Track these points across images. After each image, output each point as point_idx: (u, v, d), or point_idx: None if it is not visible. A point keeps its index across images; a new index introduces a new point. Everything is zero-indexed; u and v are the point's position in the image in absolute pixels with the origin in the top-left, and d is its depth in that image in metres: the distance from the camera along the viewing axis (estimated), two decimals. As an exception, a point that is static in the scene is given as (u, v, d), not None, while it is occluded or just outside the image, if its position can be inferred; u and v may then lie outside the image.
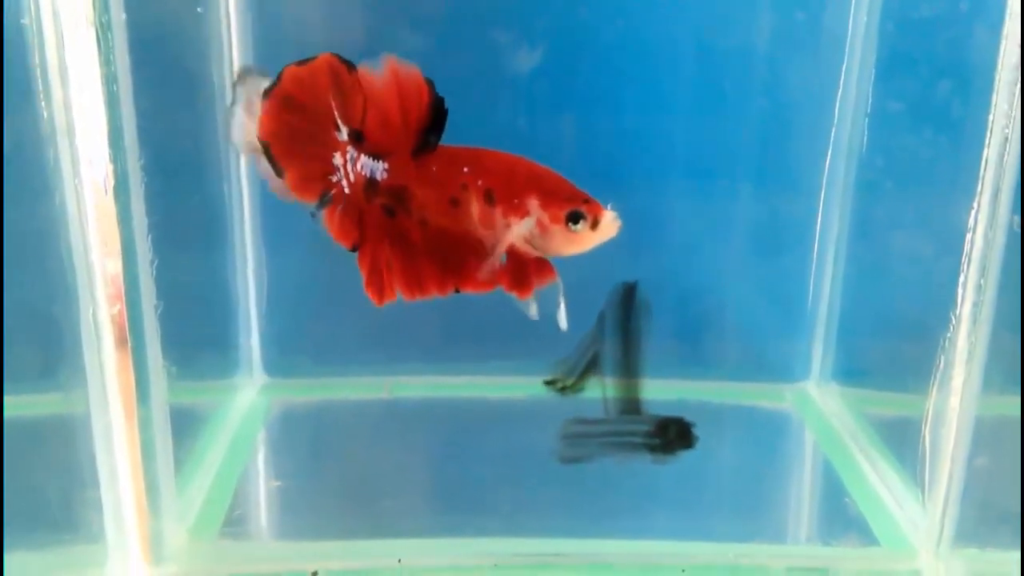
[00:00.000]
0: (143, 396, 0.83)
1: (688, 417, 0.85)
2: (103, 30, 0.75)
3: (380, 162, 0.75)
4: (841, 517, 0.98)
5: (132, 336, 0.81)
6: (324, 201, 0.76)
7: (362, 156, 0.75)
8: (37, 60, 0.74)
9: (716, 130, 1.13)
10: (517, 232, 0.75)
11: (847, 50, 1.09)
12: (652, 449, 0.83)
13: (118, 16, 0.76)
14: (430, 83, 0.73)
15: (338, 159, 0.76)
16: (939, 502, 0.85)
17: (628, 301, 0.82)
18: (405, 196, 0.76)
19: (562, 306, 0.77)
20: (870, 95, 1.07)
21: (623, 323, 0.81)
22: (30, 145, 0.75)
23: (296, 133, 0.75)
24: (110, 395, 0.81)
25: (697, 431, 0.85)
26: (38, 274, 0.77)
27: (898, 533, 0.93)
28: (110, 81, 0.76)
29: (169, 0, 0.97)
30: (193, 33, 1.04)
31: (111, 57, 0.76)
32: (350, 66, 0.73)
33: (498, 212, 0.75)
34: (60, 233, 0.77)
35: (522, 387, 1.14)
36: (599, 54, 1.10)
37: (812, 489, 1.07)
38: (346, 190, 0.76)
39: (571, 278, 0.78)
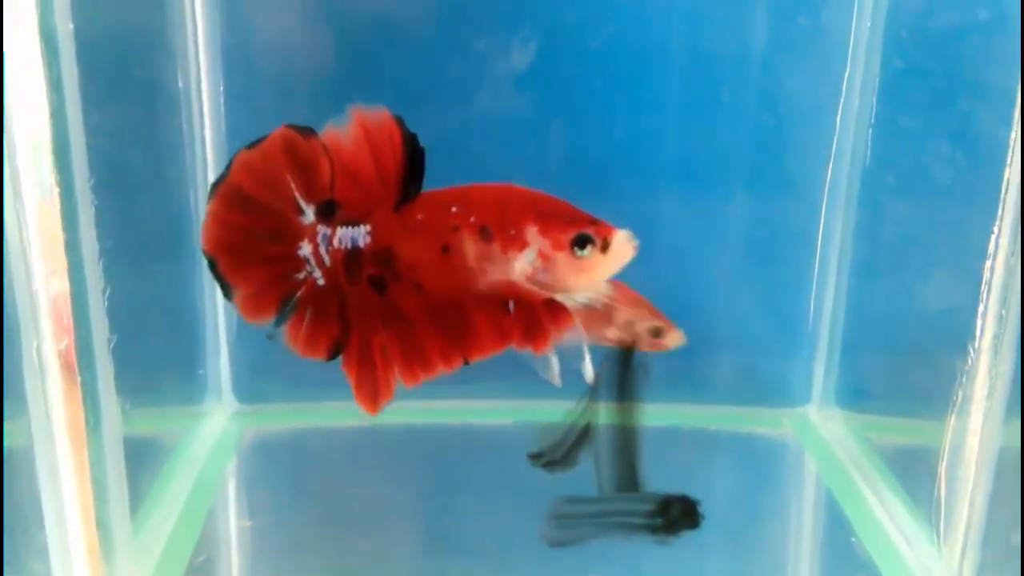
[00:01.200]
0: (94, 432, 0.77)
1: (692, 495, 0.78)
2: (47, 36, 0.69)
3: (361, 227, 0.68)
4: (847, 559, 0.92)
5: (82, 371, 0.75)
6: (284, 313, 0.68)
7: (338, 228, 0.68)
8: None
9: (713, 138, 1.08)
10: (519, 268, 0.67)
11: (849, 58, 1.04)
12: (653, 530, 0.75)
13: (64, 24, 0.70)
14: (400, 123, 0.65)
15: (306, 248, 0.68)
16: (956, 546, 0.80)
17: (625, 366, 0.75)
18: (393, 258, 0.68)
19: (587, 357, 0.68)
20: (874, 105, 1.03)
21: (619, 390, 0.74)
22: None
23: (249, 238, 0.67)
24: (56, 431, 0.75)
25: (702, 509, 0.78)
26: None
27: (909, 578, 0.87)
28: (55, 91, 0.70)
29: (124, 8, 0.90)
30: (154, 41, 0.98)
31: (56, 66, 0.70)
32: (307, 134, 0.66)
33: (496, 248, 0.67)
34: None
35: (510, 412, 1.10)
36: (592, 60, 1.05)
37: (814, 526, 1.01)
38: (320, 281, 0.68)
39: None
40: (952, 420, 0.82)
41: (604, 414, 0.74)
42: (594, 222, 0.67)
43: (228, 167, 0.66)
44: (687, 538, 0.92)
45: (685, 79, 1.06)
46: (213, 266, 0.67)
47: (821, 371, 1.16)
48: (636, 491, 0.75)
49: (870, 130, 1.03)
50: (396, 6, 1.00)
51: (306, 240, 0.68)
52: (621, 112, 1.06)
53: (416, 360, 0.68)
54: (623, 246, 0.66)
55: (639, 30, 1.04)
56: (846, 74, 1.05)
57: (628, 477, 0.74)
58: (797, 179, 1.11)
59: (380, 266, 0.68)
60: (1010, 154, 0.73)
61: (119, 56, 0.87)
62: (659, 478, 1.03)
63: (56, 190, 0.70)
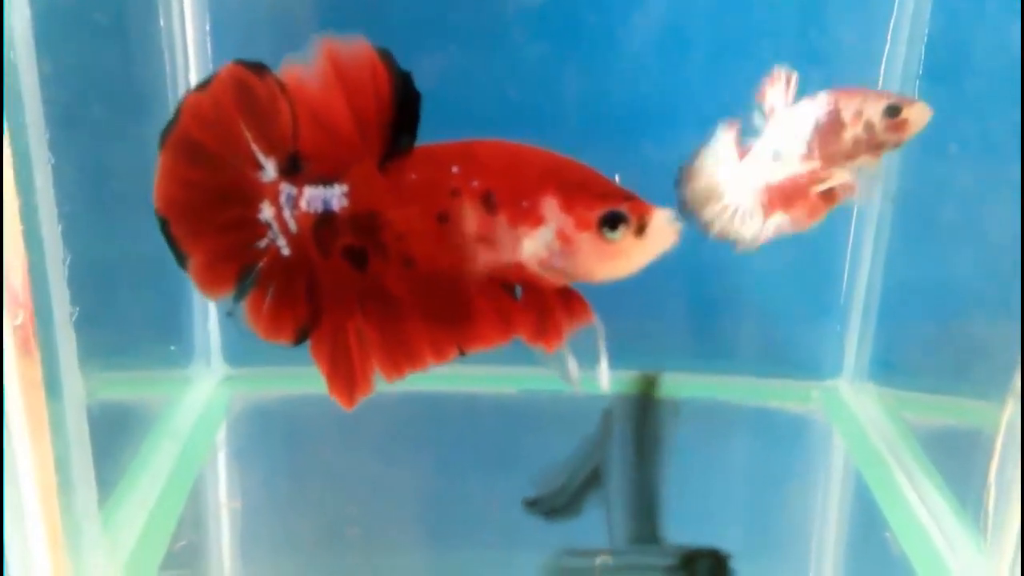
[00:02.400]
0: (56, 412, 0.70)
1: (723, 549, 0.69)
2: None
3: (335, 186, 0.56)
4: (875, 548, 0.86)
5: (41, 349, 0.68)
6: (244, 287, 0.57)
7: (306, 188, 0.56)
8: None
9: (747, 98, 0.98)
10: (531, 249, 0.56)
11: (895, 11, 0.96)
12: None
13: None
14: (387, 58, 0.54)
15: (267, 211, 0.57)
16: (1007, 552, 0.72)
17: (647, 397, 0.66)
18: (377, 225, 0.56)
19: (603, 359, 0.57)
20: (922, 59, 0.95)
21: (638, 427, 0.66)
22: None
23: (203, 196, 0.56)
24: (12, 413, 0.68)
25: (733, 565, 0.69)
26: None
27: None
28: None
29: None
30: None
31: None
32: (261, 70, 0.54)
33: (502, 221, 0.56)
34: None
35: (514, 380, 1.04)
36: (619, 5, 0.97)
37: (841, 511, 0.95)
38: (284, 251, 0.57)
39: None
40: (1007, 407, 0.74)
41: (619, 454, 0.66)
42: (629, 197, 0.55)
43: (177, 111, 0.55)
44: (706, 520, 0.87)
45: (719, 29, 0.99)
46: (165, 229, 0.57)
47: (854, 342, 1.09)
48: (654, 543, 0.66)
49: (917, 81, 0.95)
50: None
51: (267, 201, 0.57)
52: (650, 63, 0.98)
53: (400, 350, 0.58)
54: (663, 229, 0.55)
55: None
56: (890, 24, 0.96)
57: (646, 527, 0.66)
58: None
59: (360, 235, 0.57)
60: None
61: None
62: (676, 454, 0.98)
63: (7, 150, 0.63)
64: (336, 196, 0.56)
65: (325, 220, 0.57)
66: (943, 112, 0.93)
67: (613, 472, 0.66)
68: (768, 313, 1.09)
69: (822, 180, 0.76)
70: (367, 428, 1.01)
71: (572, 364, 0.57)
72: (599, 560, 0.66)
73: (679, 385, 1.06)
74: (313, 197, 0.56)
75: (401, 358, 0.58)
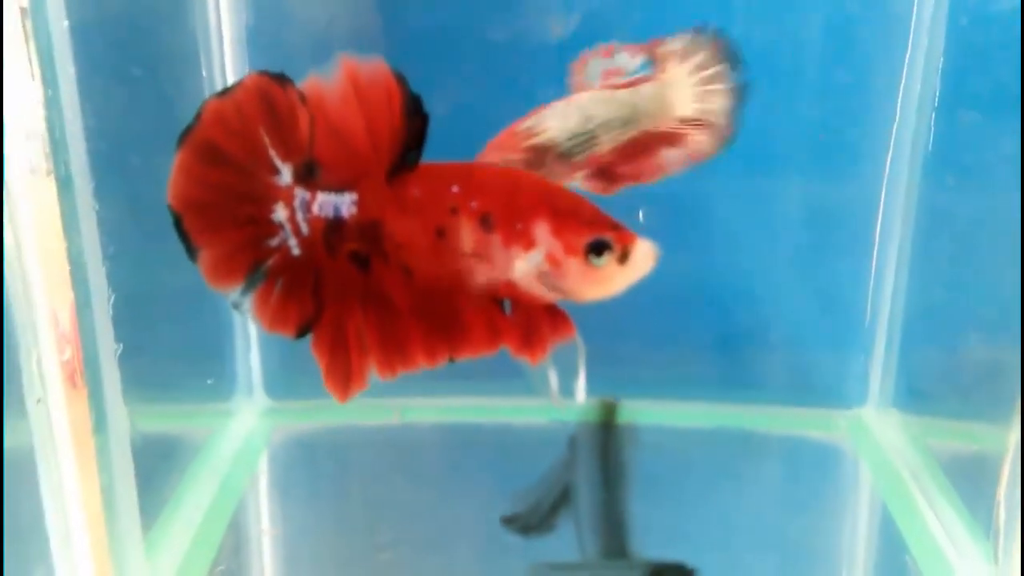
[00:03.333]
0: (101, 444, 0.74)
1: (688, 563, 0.72)
2: (39, 36, 0.65)
3: (346, 194, 0.61)
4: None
5: (88, 383, 0.73)
6: (253, 281, 0.61)
7: (318, 194, 0.61)
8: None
9: (769, 124, 1.00)
10: (522, 269, 0.60)
11: (911, 36, 0.97)
12: None
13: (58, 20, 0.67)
14: (401, 80, 0.58)
15: (281, 212, 0.61)
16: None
17: (609, 423, 0.69)
18: (380, 235, 0.61)
19: (581, 374, 0.61)
20: (937, 90, 0.96)
21: (602, 450, 0.69)
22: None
23: (218, 195, 0.60)
24: (59, 444, 0.73)
25: None
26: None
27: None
28: (50, 89, 0.67)
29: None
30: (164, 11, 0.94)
31: (51, 62, 0.66)
32: (283, 81, 0.59)
33: (497, 240, 0.60)
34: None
35: (545, 411, 1.02)
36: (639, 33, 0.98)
37: (867, 541, 0.95)
38: (295, 251, 0.62)
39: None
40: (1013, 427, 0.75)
41: (586, 473, 0.68)
42: (615, 227, 0.60)
43: (198, 116, 0.59)
44: (731, 546, 0.88)
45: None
46: (179, 223, 0.61)
47: (878, 369, 1.10)
48: (624, 557, 0.68)
49: (932, 115, 0.96)
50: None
51: (281, 203, 0.61)
52: None
53: (395, 350, 0.62)
54: (644, 259, 0.59)
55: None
56: (907, 53, 0.98)
57: (614, 542, 0.68)
58: (856, 159, 1.05)
59: (365, 242, 0.61)
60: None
61: (120, 40, 0.84)
62: (702, 484, 0.99)
63: (54, 191, 0.67)
64: (346, 203, 0.61)
65: (335, 225, 0.61)
66: (963, 139, 0.95)
67: (581, 492, 0.68)
68: (793, 340, 1.10)
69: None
70: (404, 458, 1.05)
71: (553, 378, 0.61)
72: (575, 572, 0.69)
73: (707, 415, 1.10)
74: (325, 203, 0.61)
75: (396, 358, 0.62)
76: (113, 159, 0.75)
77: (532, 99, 0.96)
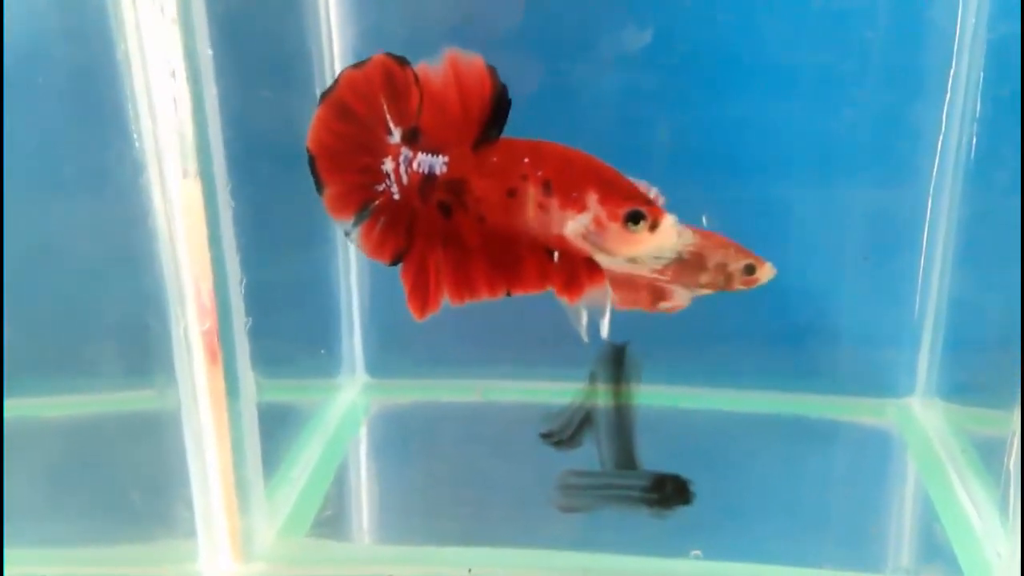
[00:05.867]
0: (233, 402, 0.89)
1: (684, 475, 0.83)
2: (190, 61, 0.80)
3: (440, 156, 0.74)
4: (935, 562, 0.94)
5: (223, 350, 0.87)
6: (362, 216, 0.75)
7: (419, 154, 0.74)
8: (128, 93, 0.79)
9: (821, 124, 1.09)
10: (572, 228, 0.73)
11: (954, 54, 1.04)
12: (649, 504, 0.83)
13: (204, 51, 0.81)
14: (493, 72, 0.71)
15: (388, 164, 0.75)
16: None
17: (618, 363, 0.81)
18: (464, 190, 0.74)
19: (607, 315, 0.75)
20: (978, 100, 1.03)
21: (614, 385, 0.81)
22: (125, 171, 0.81)
23: (345, 144, 0.74)
24: (200, 401, 0.87)
25: (693, 488, 0.83)
26: (133, 290, 0.84)
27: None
28: (198, 109, 0.81)
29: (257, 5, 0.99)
30: (288, 28, 1.07)
31: (198, 75, 0.81)
32: (403, 63, 0.72)
33: (555, 203, 0.73)
34: (154, 253, 0.83)
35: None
36: (708, 42, 1.07)
37: (907, 517, 1.03)
38: (396, 196, 0.75)
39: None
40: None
41: (603, 399, 0.81)
42: (648, 202, 0.73)
43: (336, 81, 0.74)
44: (778, 520, 0.97)
45: (800, 73, 1.08)
46: (312, 163, 0.75)
47: (925, 362, 1.16)
48: (633, 469, 0.81)
49: (974, 127, 1.03)
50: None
51: (390, 158, 0.75)
52: (731, 100, 1.09)
53: (464, 283, 0.75)
54: (669, 229, 0.72)
55: (756, 20, 1.07)
56: (951, 74, 1.05)
57: (625, 456, 0.81)
58: (905, 162, 1.11)
59: (450, 194, 0.75)
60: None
61: (253, 49, 0.97)
62: (756, 464, 1.08)
63: (198, 188, 0.82)
64: (439, 164, 0.75)
65: (428, 179, 0.75)
66: (1002, 148, 1.01)
67: (600, 415, 0.81)
68: (846, 334, 1.16)
69: (661, 291, 0.82)
70: (483, 430, 1.16)
71: (584, 318, 0.75)
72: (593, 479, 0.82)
73: (764, 402, 1.18)
74: (423, 161, 0.75)
75: (464, 289, 0.76)
76: (246, 164, 0.88)
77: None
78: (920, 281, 1.14)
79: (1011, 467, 0.84)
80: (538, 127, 0.75)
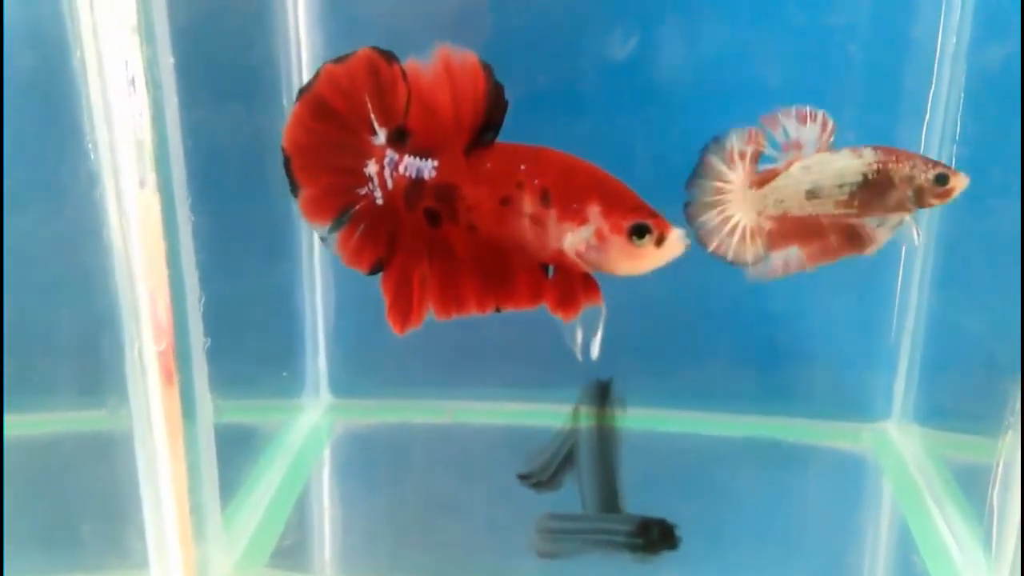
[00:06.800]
0: (189, 426, 0.85)
1: (670, 519, 0.81)
2: (150, 68, 0.76)
3: (428, 160, 0.70)
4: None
5: (179, 371, 0.83)
6: (340, 221, 0.71)
7: (406, 157, 0.70)
8: (84, 101, 0.76)
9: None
10: (571, 241, 0.68)
11: (935, 73, 1.03)
12: (633, 549, 0.79)
13: (165, 59, 0.78)
14: (487, 69, 0.66)
15: (372, 167, 0.70)
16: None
17: (603, 399, 0.78)
18: (454, 197, 0.69)
19: (599, 333, 0.70)
20: (958, 122, 1.01)
21: (597, 421, 0.78)
22: (79, 182, 0.78)
23: (323, 144, 0.70)
24: (154, 423, 0.83)
25: (679, 533, 0.80)
26: (85, 307, 0.80)
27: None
28: (157, 119, 0.78)
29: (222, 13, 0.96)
30: (255, 35, 1.04)
31: (158, 83, 0.77)
32: (390, 58, 0.68)
33: (553, 215, 0.68)
34: (108, 268, 0.79)
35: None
36: (690, 60, 1.05)
37: (882, 543, 1.01)
38: (378, 201, 0.70)
39: (615, 298, 0.71)
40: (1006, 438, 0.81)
41: (586, 440, 0.78)
42: (653, 215, 0.68)
43: (315, 77, 0.69)
44: (752, 547, 0.95)
45: (781, 92, 1.04)
46: (287, 164, 0.70)
47: (902, 385, 1.15)
48: (616, 511, 0.78)
49: (953, 147, 1.02)
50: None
51: (373, 160, 0.70)
52: (712, 118, 1.04)
53: (452, 296, 0.71)
54: (675, 244, 0.67)
55: (738, 37, 1.05)
56: (931, 91, 1.04)
57: (609, 498, 0.78)
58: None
59: (439, 201, 0.70)
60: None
61: (214, 55, 0.93)
62: (731, 489, 1.06)
63: (156, 201, 0.78)
64: (428, 167, 0.70)
65: (415, 184, 0.70)
66: (982, 169, 1.00)
67: (582, 456, 0.78)
68: (820, 357, 1.15)
69: (852, 228, 0.78)
70: (452, 453, 1.13)
71: (579, 334, 0.70)
72: (575, 523, 0.78)
73: (738, 425, 1.16)
74: (410, 164, 0.70)
75: (452, 303, 0.71)
76: (208, 176, 0.85)
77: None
78: (897, 304, 1.13)
79: (994, 500, 0.81)
80: (539, 133, 0.70)
